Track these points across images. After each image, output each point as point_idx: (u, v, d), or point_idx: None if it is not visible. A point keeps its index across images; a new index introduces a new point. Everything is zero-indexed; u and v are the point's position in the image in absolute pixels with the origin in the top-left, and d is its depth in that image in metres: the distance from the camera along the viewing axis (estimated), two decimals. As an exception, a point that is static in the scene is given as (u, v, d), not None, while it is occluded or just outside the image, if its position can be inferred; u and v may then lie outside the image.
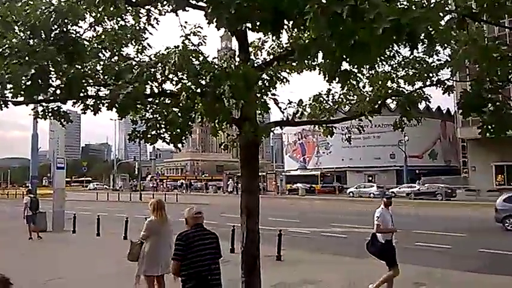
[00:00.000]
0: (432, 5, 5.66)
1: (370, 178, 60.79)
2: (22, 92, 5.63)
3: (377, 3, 2.99)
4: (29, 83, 5.45)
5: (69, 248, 14.38)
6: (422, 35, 3.07)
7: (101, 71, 6.39)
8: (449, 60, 7.32)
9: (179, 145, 6.32)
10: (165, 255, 6.86)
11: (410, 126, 8.32)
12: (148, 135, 6.29)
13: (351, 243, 15.32)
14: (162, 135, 6.27)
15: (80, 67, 6.03)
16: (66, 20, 5.66)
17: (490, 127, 6.59)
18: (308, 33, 4.62)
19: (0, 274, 2.78)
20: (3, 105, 6.17)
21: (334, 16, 3.09)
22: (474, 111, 6.91)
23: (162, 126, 6.28)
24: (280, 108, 6.18)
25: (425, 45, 3.50)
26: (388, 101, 8.09)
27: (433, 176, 52.12)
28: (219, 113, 5.42)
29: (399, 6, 3.15)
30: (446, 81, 7.62)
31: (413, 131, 37.59)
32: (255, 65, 6.15)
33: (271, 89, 5.66)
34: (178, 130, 6.10)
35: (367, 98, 7.77)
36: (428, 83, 7.57)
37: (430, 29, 3.11)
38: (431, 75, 7.50)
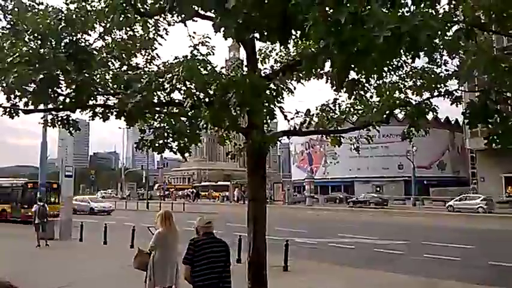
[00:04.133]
0: (440, 15, 5.68)
1: (378, 189, 60.34)
2: (29, 96, 5.69)
3: (377, 12, 2.98)
4: (36, 88, 5.51)
5: (77, 256, 14.39)
6: (423, 43, 3.02)
7: (110, 80, 6.45)
8: (457, 70, 7.29)
9: (186, 154, 6.35)
10: (172, 266, 6.83)
11: (419, 136, 8.27)
12: (156, 144, 6.32)
13: (359, 253, 15.20)
14: (169, 145, 6.30)
15: (89, 76, 6.10)
16: (76, 29, 5.74)
17: (496, 138, 6.53)
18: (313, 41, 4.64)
19: (8, 282, 2.78)
20: (14, 114, 6.25)
21: (334, 23, 3.10)
22: (480, 122, 6.86)
23: (170, 135, 6.32)
24: (285, 116, 6.18)
25: (427, 54, 3.46)
26: (396, 111, 8.06)
27: (441, 187, 51.68)
28: (226, 120, 5.45)
29: (401, 13, 3.13)
30: (454, 92, 7.58)
31: (422, 142, 37.47)
32: (263, 74, 6.17)
33: (278, 98, 5.67)
34: (185, 139, 6.13)
35: (375, 108, 7.75)
36: (436, 93, 7.54)
37: (432, 37, 3.07)
38: (439, 85, 7.47)
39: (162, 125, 6.55)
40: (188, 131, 6.15)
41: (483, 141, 7.28)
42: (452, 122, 64.48)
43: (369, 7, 3.12)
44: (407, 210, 41.05)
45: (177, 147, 6.31)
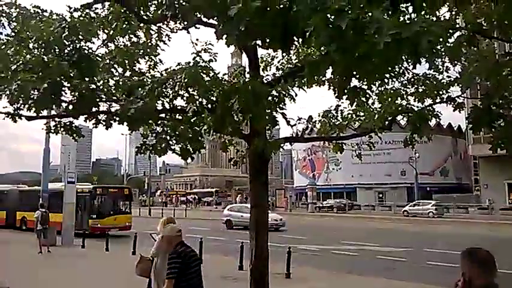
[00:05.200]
0: (442, 22, 5.70)
1: (381, 195, 60.17)
2: (32, 105, 5.71)
3: (378, 18, 2.99)
4: (40, 95, 5.53)
5: (78, 263, 14.38)
6: (424, 49, 3.02)
7: (113, 87, 6.48)
8: (459, 77, 7.30)
9: (188, 159, 6.37)
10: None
11: (421, 143, 8.26)
12: (158, 147, 6.34)
13: (361, 261, 15.14)
14: (172, 147, 6.33)
15: (92, 82, 6.13)
16: (79, 37, 5.78)
17: (501, 142, 6.52)
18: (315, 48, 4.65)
19: (7, 287, 2.78)
20: (16, 118, 6.28)
21: (336, 29, 3.12)
22: (484, 126, 6.86)
23: (173, 139, 6.34)
24: (288, 122, 6.19)
25: (428, 60, 3.45)
26: (399, 117, 8.06)
27: (444, 194, 51.49)
28: (228, 127, 5.46)
29: (402, 19, 3.14)
30: (456, 98, 7.59)
31: (424, 148, 37.44)
32: (265, 81, 6.19)
33: (280, 105, 5.69)
34: (188, 142, 6.16)
35: (377, 115, 7.76)
36: (438, 100, 7.55)
37: (434, 43, 3.07)
38: (441, 92, 7.48)
39: (164, 129, 6.57)
40: (190, 135, 6.18)
41: (486, 148, 7.27)
42: (455, 129, 64.40)
43: (370, 13, 3.14)
44: (409, 217, 40.87)
45: (179, 151, 6.33)
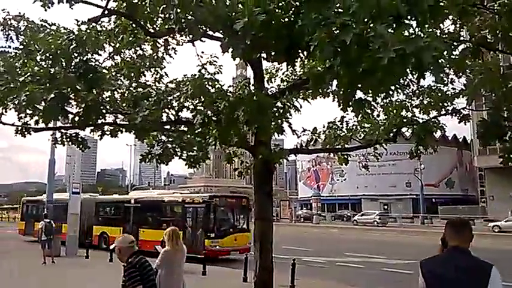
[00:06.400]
0: (446, 35, 5.72)
1: (386, 206, 59.84)
2: (40, 116, 5.78)
3: (382, 33, 3.01)
4: (47, 107, 5.60)
5: (82, 274, 14.34)
6: (429, 64, 3.03)
7: (119, 99, 6.55)
8: (464, 89, 7.31)
9: (194, 168, 6.42)
10: (177, 285, 6.78)
11: (426, 154, 8.25)
12: (164, 156, 6.40)
13: (367, 273, 15.00)
14: (178, 153, 6.38)
15: (98, 94, 6.19)
16: (86, 49, 5.85)
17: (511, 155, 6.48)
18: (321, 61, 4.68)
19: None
20: (26, 132, 6.34)
21: (340, 44, 3.14)
22: (493, 140, 6.83)
23: (177, 149, 6.39)
24: (294, 131, 6.24)
25: (434, 74, 3.47)
26: (404, 129, 8.06)
27: (450, 205, 51.15)
28: (234, 138, 5.49)
29: (405, 33, 3.15)
30: (461, 110, 7.58)
31: (430, 159, 37.28)
32: (269, 93, 6.23)
33: (285, 116, 5.71)
34: (194, 151, 6.22)
35: (382, 127, 7.76)
36: (443, 112, 7.55)
37: (437, 58, 3.08)
38: (446, 104, 7.48)
39: (169, 139, 6.62)
40: (196, 143, 6.23)
41: (492, 159, 7.25)
42: (460, 140, 64.17)
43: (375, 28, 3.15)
44: (414, 229, 40.61)
45: (186, 158, 6.37)
